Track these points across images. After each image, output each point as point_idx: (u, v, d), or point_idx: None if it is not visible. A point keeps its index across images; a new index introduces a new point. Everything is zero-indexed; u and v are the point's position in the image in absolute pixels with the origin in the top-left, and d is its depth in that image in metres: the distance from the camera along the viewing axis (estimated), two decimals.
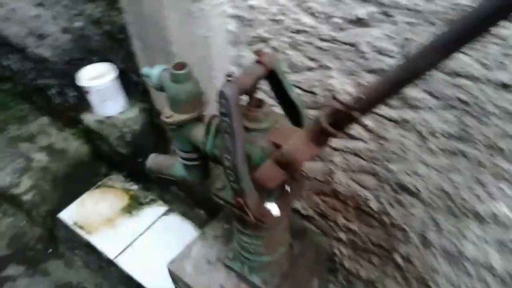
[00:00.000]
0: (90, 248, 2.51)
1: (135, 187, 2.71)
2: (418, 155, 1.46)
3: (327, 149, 1.72)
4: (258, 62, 1.17)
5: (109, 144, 2.50)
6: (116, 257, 2.33)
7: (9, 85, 3.63)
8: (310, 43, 1.48)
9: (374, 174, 1.64)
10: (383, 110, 1.45)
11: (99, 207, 2.58)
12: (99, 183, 2.80)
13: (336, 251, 2.09)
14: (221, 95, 1.06)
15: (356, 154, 1.65)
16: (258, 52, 1.18)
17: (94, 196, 2.68)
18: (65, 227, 2.60)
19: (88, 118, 2.60)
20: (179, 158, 1.52)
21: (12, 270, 2.68)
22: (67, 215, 2.61)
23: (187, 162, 1.51)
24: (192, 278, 1.67)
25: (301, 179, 1.41)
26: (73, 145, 3.16)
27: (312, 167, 1.83)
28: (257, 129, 1.19)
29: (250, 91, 1.17)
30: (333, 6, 1.33)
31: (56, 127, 3.38)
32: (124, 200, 2.62)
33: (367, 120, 1.51)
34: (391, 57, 1.32)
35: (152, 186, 2.71)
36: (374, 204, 1.73)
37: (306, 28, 1.45)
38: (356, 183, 1.74)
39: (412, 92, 1.34)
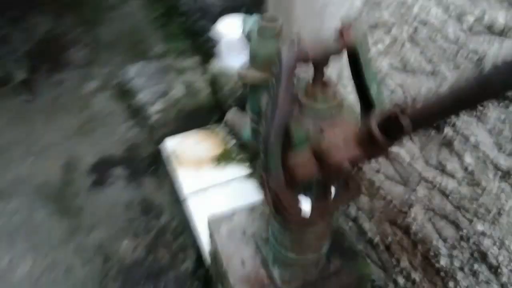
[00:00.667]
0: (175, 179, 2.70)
1: (233, 141, 2.79)
2: None
3: (414, 177, 1.44)
4: (339, 35, 1.00)
5: (222, 94, 2.60)
6: (188, 194, 2.46)
7: (183, 19, 4.05)
8: (434, 41, 1.21)
9: (457, 226, 1.31)
10: (493, 151, 1.12)
11: (196, 147, 2.74)
12: (207, 126, 2.97)
13: None
14: (278, 57, 0.95)
15: (443, 193, 1.33)
16: (343, 26, 1.01)
17: (197, 136, 2.86)
18: (166, 152, 2.85)
19: (213, 65, 2.72)
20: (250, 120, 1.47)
21: (118, 170, 3.09)
22: (171, 143, 2.85)
23: (253, 125, 1.44)
24: (221, 239, 1.64)
25: (353, 188, 1.21)
26: (207, 89, 3.39)
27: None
28: (311, 108, 1.04)
29: (317, 63, 1.02)
30: (471, 2, 1.05)
31: (203, 68, 3.67)
32: (218, 150, 2.73)
33: (468, 157, 1.19)
34: None
35: (247, 148, 2.74)
36: (444, 262, 1.40)
37: (433, 21, 1.18)
38: (433, 227, 1.42)
39: None
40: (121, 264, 2.58)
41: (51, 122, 3.43)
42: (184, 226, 2.66)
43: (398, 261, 1.67)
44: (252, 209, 1.73)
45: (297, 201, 1.14)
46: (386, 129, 0.80)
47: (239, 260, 1.57)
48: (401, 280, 1.68)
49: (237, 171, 2.59)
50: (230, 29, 2.50)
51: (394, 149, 1.50)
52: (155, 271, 2.55)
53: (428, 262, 1.49)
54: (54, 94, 3.71)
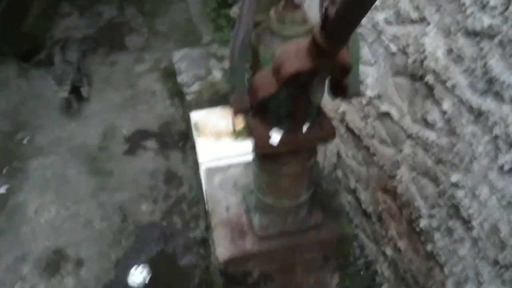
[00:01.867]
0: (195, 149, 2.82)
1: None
2: (484, 170, 1.05)
3: (401, 136, 1.41)
4: None
5: None
6: (203, 162, 2.55)
7: (229, 11, 4.24)
8: None
9: (436, 182, 1.27)
10: (467, 93, 1.08)
11: (218, 121, 2.84)
12: None
13: (379, 269, 1.74)
14: None
15: (425, 149, 1.30)
16: None
17: (221, 112, 2.97)
18: (191, 124, 2.98)
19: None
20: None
21: (150, 143, 3.28)
22: (196, 115, 2.98)
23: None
24: (211, 188, 1.70)
25: (327, 129, 1.21)
26: None
27: None
28: (279, 32, 1.08)
29: None
30: None
31: None
32: (238, 126, 2.80)
33: (447, 103, 1.16)
34: (492, 17, 0.96)
35: None
36: (424, 224, 1.35)
37: None
38: (416, 187, 1.38)
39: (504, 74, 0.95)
40: (137, 224, 2.72)
41: (98, 95, 3.72)
42: (200, 198, 2.75)
43: (386, 231, 1.62)
44: (247, 164, 1.77)
45: (264, 127, 1.18)
46: (328, 35, 0.83)
47: (225, 206, 1.62)
48: (389, 251, 1.63)
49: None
50: None
51: (384, 107, 1.48)
52: (167, 235, 2.66)
53: (411, 228, 1.44)
54: (107, 73, 4.03)
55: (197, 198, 2.80)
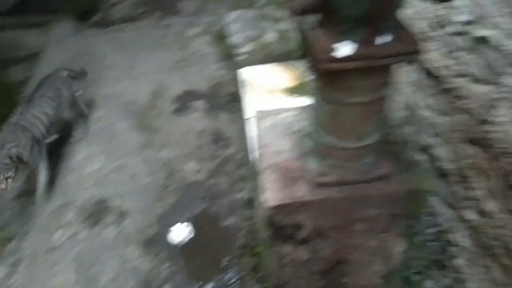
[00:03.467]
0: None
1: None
2: None
3: (499, 65, 1.13)
4: None
5: None
6: (248, 118, 2.36)
7: None
8: None
9: None
10: None
11: (271, 77, 2.64)
12: (287, 61, 2.85)
13: (455, 239, 1.47)
14: None
15: None
16: None
17: (275, 69, 2.76)
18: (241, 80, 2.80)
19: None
20: None
21: (199, 103, 3.14)
22: (249, 71, 2.79)
23: None
24: (263, 131, 1.51)
25: (407, 40, 0.96)
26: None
27: None
28: None
29: None
30: None
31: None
32: (293, 83, 2.58)
33: None
34: None
35: None
36: None
37: None
38: None
39: None
40: (181, 182, 2.60)
41: (151, 55, 3.65)
42: (247, 160, 2.59)
43: (470, 191, 1.34)
44: (302, 109, 1.55)
45: (328, 37, 0.96)
46: None
47: (275, 149, 1.42)
48: (471, 216, 1.35)
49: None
50: None
51: (480, 32, 1.19)
52: (211, 194, 2.52)
53: (507, 183, 1.15)
54: (160, 35, 3.96)
55: (245, 160, 2.63)
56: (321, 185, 1.27)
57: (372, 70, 1.00)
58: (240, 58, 3.24)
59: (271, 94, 2.53)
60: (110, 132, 2.89)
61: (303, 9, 0.92)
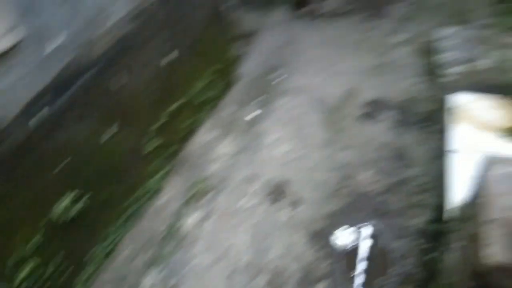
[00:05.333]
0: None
1: None
2: None
3: None
4: None
5: None
6: (456, 149, 2.20)
7: None
8: None
9: None
10: None
11: (486, 110, 2.39)
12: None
13: None
14: None
15: None
16: None
17: (492, 102, 2.48)
18: (449, 105, 2.61)
19: None
20: None
21: (390, 113, 3.08)
22: (460, 97, 2.58)
23: None
24: (491, 178, 1.41)
25: None
26: None
27: None
28: None
29: None
30: None
31: None
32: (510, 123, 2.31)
33: None
34: None
35: None
36: None
37: None
38: None
39: None
40: (355, 188, 2.64)
41: (350, 55, 3.73)
42: (434, 186, 2.47)
43: None
44: None
45: None
46: None
47: (507, 203, 1.32)
48: None
49: None
50: None
51: None
52: (381, 211, 2.50)
53: None
54: (363, 36, 3.98)
55: (429, 186, 2.52)
56: None
57: None
58: (446, 79, 3.06)
59: (482, 128, 2.33)
60: (300, 122, 3.08)
61: None
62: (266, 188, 2.62)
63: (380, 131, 2.99)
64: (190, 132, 2.99)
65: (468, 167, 2.04)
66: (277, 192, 2.59)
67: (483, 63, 3.14)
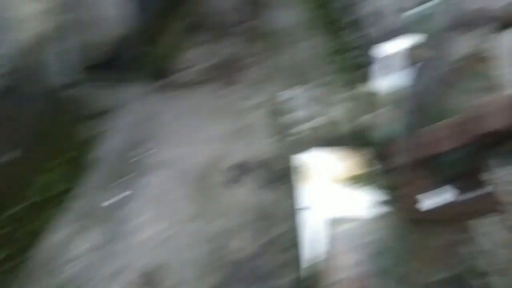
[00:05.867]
0: None
1: (377, 167, 2.55)
2: None
3: None
4: None
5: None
6: (309, 205, 2.38)
7: (352, 54, 4.15)
8: None
9: None
10: None
11: (331, 164, 2.64)
12: (349, 148, 2.92)
13: None
14: None
15: None
16: None
17: (335, 155, 2.76)
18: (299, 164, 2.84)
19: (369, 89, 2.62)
20: None
21: (252, 175, 3.22)
22: (307, 155, 2.83)
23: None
24: (333, 238, 1.54)
25: (489, 201, 1.00)
26: (356, 118, 3.34)
27: None
28: (463, 84, 0.93)
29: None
30: None
31: (359, 100, 3.63)
32: (355, 171, 2.56)
33: None
34: None
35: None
36: None
37: None
38: None
39: None
40: (228, 257, 2.64)
41: (209, 123, 3.85)
42: (294, 244, 2.60)
43: None
44: (376, 219, 1.58)
45: (419, 187, 1.02)
46: None
47: (346, 262, 1.45)
48: None
49: (371, 197, 2.40)
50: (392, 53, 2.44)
51: None
52: (254, 277, 2.52)
53: None
54: (219, 104, 4.17)
55: (291, 243, 2.65)
56: None
57: (456, 219, 1.05)
58: (294, 137, 3.36)
59: (329, 181, 2.57)
60: (168, 198, 3.04)
61: (404, 163, 0.99)
62: (139, 278, 2.46)
63: (245, 194, 3.10)
64: (39, 234, 2.69)
65: (318, 224, 2.22)
66: (152, 280, 2.45)
67: (321, 120, 3.56)
